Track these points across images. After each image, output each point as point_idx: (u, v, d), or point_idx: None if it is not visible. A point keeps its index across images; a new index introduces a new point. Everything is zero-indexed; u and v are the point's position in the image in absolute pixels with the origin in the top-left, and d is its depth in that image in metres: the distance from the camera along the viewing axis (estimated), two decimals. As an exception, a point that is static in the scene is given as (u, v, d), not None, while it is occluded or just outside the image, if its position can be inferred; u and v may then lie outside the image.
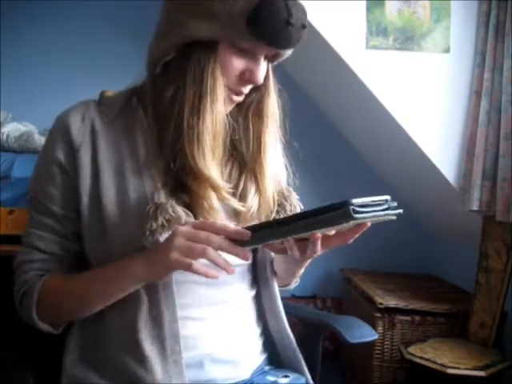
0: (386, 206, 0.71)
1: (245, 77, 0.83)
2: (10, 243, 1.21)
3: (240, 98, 0.86)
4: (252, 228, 0.76)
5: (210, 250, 0.73)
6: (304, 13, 0.80)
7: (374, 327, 2.13)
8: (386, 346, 2.22)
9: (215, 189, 0.82)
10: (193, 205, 0.83)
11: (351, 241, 0.76)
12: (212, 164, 0.82)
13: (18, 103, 2.53)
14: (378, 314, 2.22)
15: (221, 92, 0.81)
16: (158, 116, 0.85)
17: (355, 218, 0.67)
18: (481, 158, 1.99)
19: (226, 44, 0.80)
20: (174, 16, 0.82)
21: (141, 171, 0.82)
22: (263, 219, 0.89)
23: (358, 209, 0.67)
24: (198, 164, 0.80)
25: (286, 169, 0.97)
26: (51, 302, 0.84)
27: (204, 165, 0.81)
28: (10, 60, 2.80)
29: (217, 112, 0.81)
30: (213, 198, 0.83)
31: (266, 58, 0.84)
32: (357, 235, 0.75)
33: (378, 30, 2.10)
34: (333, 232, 0.78)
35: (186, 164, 0.81)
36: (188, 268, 0.74)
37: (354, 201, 0.67)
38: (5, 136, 2.14)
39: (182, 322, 0.83)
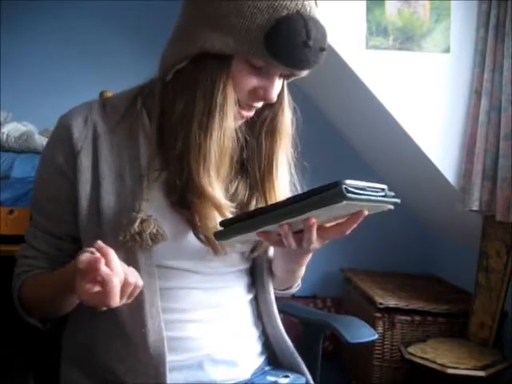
0: (382, 194, 0.69)
1: (258, 94, 0.80)
2: (10, 243, 1.22)
3: (251, 114, 0.84)
4: (245, 215, 0.74)
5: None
6: (324, 35, 0.77)
7: (374, 327, 2.13)
8: (385, 346, 2.22)
9: (217, 208, 0.80)
10: (195, 223, 0.81)
11: (348, 231, 0.73)
12: (216, 182, 0.80)
13: (18, 103, 2.52)
14: (378, 314, 2.21)
15: (231, 109, 0.78)
16: (163, 125, 0.83)
17: (348, 198, 0.63)
18: (481, 157, 1.99)
19: (240, 60, 0.77)
20: (188, 24, 0.79)
21: (142, 178, 0.81)
22: None
23: (351, 189, 0.64)
24: (201, 181, 0.79)
25: (295, 187, 0.94)
26: (29, 299, 0.85)
27: (208, 183, 0.79)
28: (9, 60, 2.80)
29: (225, 128, 0.79)
30: (216, 217, 0.80)
31: (281, 76, 0.82)
32: (354, 225, 0.72)
33: (378, 30, 2.10)
34: (329, 224, 0.74)
35: (191, 180, 0.80)
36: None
37: (348, 181, 0.64)
38: (5, 136, 2.13)
39: (182, 325, 0.83)
